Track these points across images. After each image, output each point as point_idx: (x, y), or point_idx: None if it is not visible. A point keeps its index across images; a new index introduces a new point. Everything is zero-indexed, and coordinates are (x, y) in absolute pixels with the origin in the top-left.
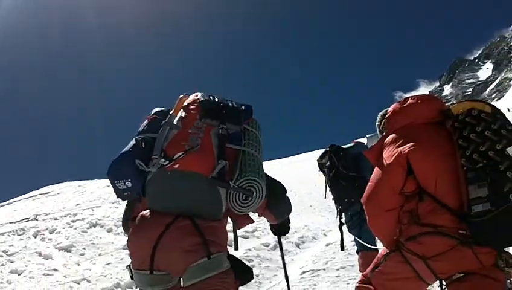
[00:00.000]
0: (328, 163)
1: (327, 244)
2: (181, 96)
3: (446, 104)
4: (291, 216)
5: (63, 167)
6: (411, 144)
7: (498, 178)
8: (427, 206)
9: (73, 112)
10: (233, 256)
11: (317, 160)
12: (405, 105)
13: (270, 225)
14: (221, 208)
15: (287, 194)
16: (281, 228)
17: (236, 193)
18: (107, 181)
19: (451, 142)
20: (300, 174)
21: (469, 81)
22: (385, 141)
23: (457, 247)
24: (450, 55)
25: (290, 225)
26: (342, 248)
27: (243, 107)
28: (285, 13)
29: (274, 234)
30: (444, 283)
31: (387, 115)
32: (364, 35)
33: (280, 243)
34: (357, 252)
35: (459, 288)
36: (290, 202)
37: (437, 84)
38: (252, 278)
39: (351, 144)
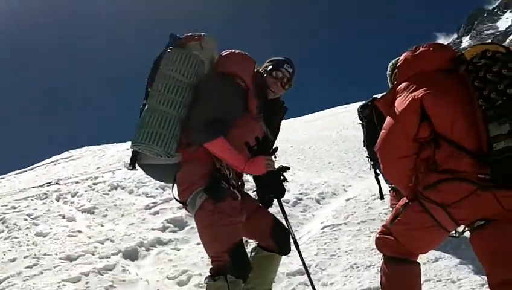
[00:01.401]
0: (367, 117)
1: (347, 199)
2: None
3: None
4: (310, 174)
5: (83, 132)
6: (424, 88)
7: None
8: (444, 151)
9: (92, 76)
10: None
11: (358, 109)
12: (417, 53)
13: (259, 190)
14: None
15: (202, 125)
16: (267, 189)
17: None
18: (126, 144)
19: (466, 87)
20: (319, 131)
21: (488, 32)
22: (397, 89)
23: (477, 192)
24: (469, 7)
25: (282, 186)
26: (382, 197)
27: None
28: None
29: (267, 196)
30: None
31: (399, 63)
32: None
33: (281, 206)
34: (389, 190)
35: (481, 236)
36: (201, 134)
37: (455, 36)
38: (223, 195)
39: None
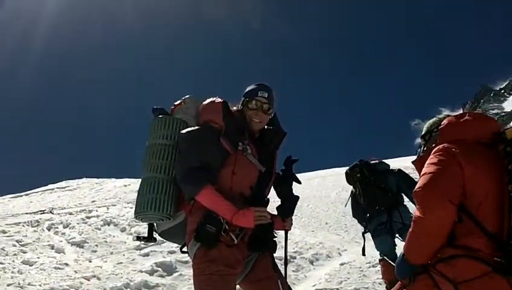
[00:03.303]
0: (359, 175)
1: (341, 264)
2: None
3: (500, 124)
4: (306, 233)
5: (82, 163)
6: (467, 157)
7: None
8: (465, 227)
9: (96, 110)
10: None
11: (346, 171)
12: (462, 120)
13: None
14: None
15: (184, 179)
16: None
17: None
18: (124, 181)
19: (500, 166)
20: (318, 190)
21: (493, 111)
22: (436, 149)
23: (491, 274)
24: (476, 84)
25: (292, 206)
26: (364, 253)
27: None
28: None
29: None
30: None
31: (442, 126)
32: (384, 59)
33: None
34: (380, 261)
35: None
36: (186, 188)
37: (460, 112)
38: (209, 238)
39: (376, 161)
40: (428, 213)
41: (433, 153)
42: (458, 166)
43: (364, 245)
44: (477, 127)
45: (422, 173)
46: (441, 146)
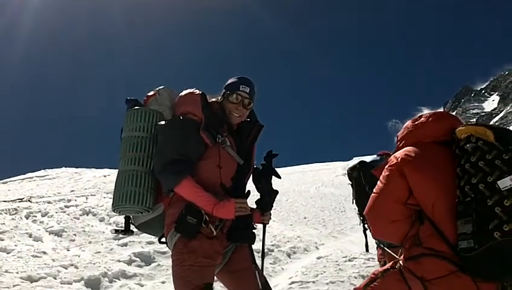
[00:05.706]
0: (354, 179)
1: (318, 257)
2: None
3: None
4: (284, 226)
5: (62, 152)
6: (414, 164)
7: (484, 214)
8: (427, 230)
9: (78, 99)
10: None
11: (348, 171)
12: (416, 123)
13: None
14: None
15: (164, 171)
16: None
17: None
18: (103, 171)
19: (454, 167)
20: (297, 185)
21: (474, 111)
22: (390, 158)
23: (457, 273)
24: (457, 84)
25: (271, 198)
26: (367, 249)
27: None
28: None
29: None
30: None
31: (399, 133)
32: (363, 57)
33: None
34: (377, 246)
35: None
36: (164, 180)
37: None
38: (190, 229)
39: (377, 157)
40: (378, 233)
41: (386, 167)
42: (399, 179)
43: (366, 241)
44: (430, 128)
45: (374, 189)
46: (389, 158)
